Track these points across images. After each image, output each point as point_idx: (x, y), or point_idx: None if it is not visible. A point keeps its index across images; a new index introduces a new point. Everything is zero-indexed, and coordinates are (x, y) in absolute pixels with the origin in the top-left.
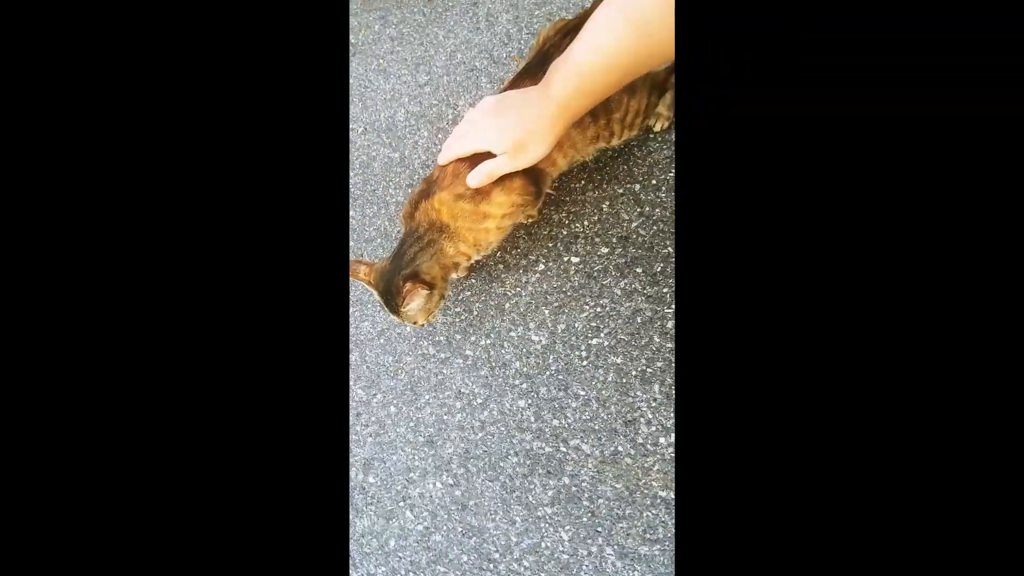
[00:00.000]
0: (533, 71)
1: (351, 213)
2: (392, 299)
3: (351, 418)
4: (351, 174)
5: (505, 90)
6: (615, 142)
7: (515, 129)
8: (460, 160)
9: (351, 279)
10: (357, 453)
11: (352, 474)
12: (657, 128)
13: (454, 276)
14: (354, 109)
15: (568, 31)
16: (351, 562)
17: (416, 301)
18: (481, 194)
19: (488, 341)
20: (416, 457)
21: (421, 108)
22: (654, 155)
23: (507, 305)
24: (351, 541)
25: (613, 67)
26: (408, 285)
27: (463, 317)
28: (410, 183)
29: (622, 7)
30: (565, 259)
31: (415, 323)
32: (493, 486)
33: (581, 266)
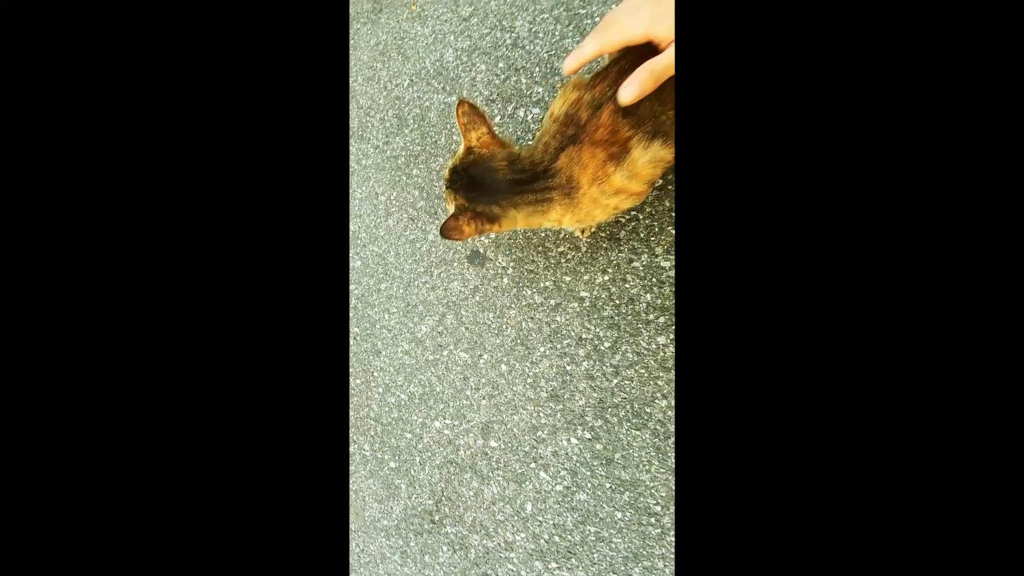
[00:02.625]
0: None
1: (415, 171)
2: (461, 191)
3: (459, 380)
4: (406, 131)
5: None
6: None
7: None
8: (616, 111)
9: (457, 113)
10: (472, 418)
11: (471, 440)
12: None
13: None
14: (395, 63)
15: None
16: (485, 531)
17: (465, 230)
18: (629, 164)
19: (606, 277)
20: (541, 414)
21: (471, 42)
22: None
23: (622, 233)
24: (480, 510)
25: None
26: (471, 223)
27: (569, 256)
28: None
29: None
30: None
31: (446, 202)
32: (642, 435)
33: None
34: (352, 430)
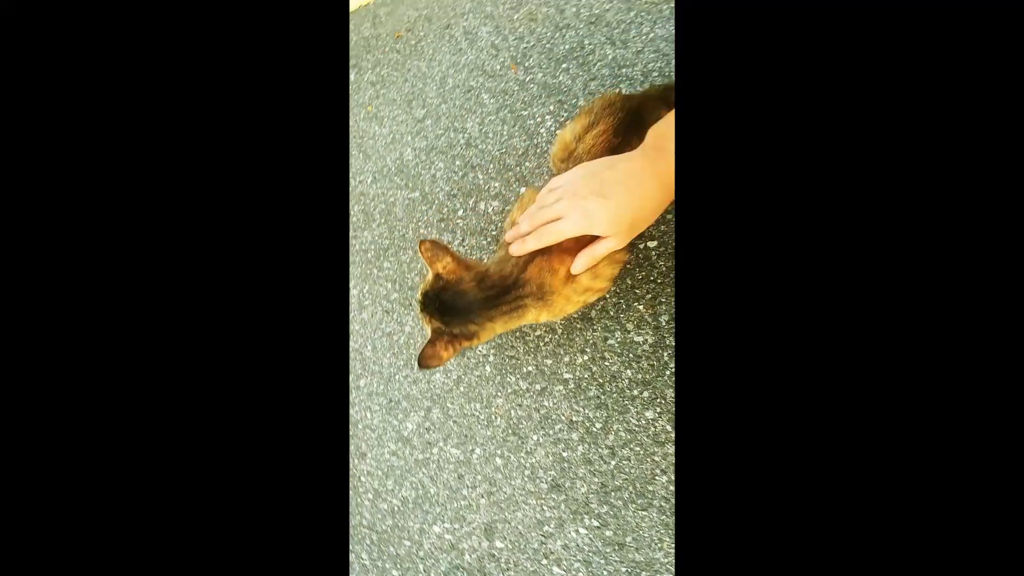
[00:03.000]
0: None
1: (385, 264)
2: (435, 314)
3: (453, 478)
4: (373, 225)
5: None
6: None
7: (627, 208)
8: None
9: (419, 251)
10: (473, 519)
11: (475, 543)
12: None
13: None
14: (356, 161)
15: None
16: None
17: (443, 355)
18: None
19: (586, 357)
20: (544, 507)
21: (428, 142)
22: None
23: (593, 313)
24: None
25: None
26: (448, 349)
27: (547, 339)
28: (440, 217)
29: None
30: (641, 246)
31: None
32: (649, 514)
33: (662, 249)
34: None
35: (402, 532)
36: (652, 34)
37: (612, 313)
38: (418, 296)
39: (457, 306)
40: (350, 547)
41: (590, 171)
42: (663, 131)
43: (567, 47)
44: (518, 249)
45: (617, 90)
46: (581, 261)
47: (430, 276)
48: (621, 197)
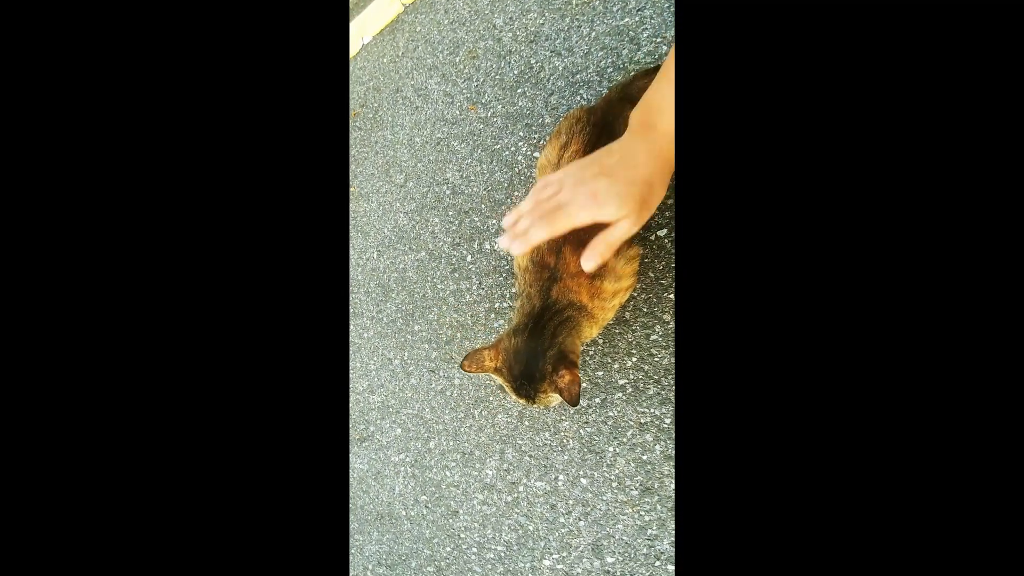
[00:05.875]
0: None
1: (416, 327)
2: (534, 384)
3: (546, 510)
4: (392, 295)
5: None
6: None
7: (633, 184)
8: (575, 248)
9: (466, 372)
10: (578, 544)
11: (588, 565)
12: None
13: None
14: (357, 241)
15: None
16: None
17: (576, 379)
18: (611, 271)
19: (634, 359)
20: (641, 512)
21: (416, 202)
22: None
23: (627, 314)
24: None
25: None
26: (565, 374)
27: (591, 352)
28: (452, 268)
29: None
30: (652, 237)
31: (547, 406)
32: None
33: (674, 235)
34: None
35: (516, 575)
36: (593, 33)
37: (645, 309)
38: (510, 392)
39: (526, 362)
40: None
41: (587, 160)
42: (648, 106)
43: (516, 72)
44: (521, 246)
45: (579, 105)
46: (596, 251)
47: (505, 379)
48: (625, 174)
